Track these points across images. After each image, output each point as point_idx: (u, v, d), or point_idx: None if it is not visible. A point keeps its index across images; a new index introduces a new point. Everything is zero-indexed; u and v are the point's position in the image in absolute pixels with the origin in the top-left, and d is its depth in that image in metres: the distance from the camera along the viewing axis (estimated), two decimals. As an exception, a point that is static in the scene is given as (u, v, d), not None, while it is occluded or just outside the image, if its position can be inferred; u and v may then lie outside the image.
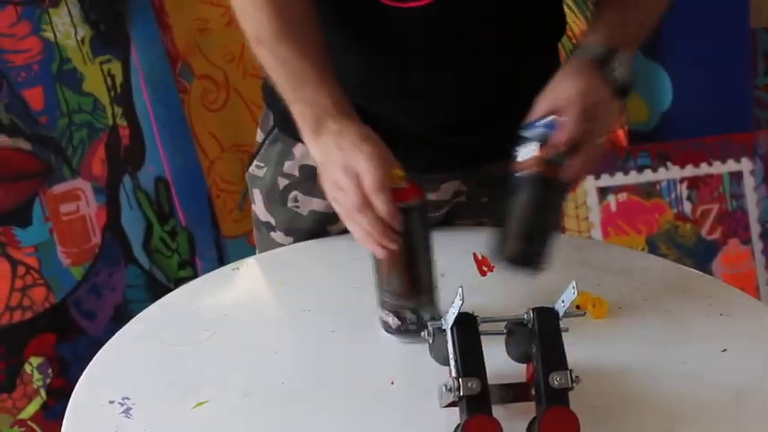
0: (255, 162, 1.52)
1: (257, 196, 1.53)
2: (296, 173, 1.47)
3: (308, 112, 1.26)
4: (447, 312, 1.08)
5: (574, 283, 1.07)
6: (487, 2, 1.31)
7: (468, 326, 1.07)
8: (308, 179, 1.46)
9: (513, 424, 1.04)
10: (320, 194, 1.47)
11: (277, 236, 1.52)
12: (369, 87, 1.39)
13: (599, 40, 1.30)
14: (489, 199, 1.50)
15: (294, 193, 1.48)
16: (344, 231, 1.49)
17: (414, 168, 1.32)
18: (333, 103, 1.25)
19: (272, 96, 1.51)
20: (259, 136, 1.53)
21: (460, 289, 1.05)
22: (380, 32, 1.34)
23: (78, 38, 2.10)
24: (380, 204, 1.15)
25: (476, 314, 1.08)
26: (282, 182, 1.49)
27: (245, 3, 1.29)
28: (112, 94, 2.14)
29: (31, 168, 2.07)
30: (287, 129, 1.47)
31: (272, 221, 1.52)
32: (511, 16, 1.35)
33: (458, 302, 1.05)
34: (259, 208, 1.54)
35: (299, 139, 1.46)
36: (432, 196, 1.45)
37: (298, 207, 1.49)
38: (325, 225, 1.50)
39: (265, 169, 1.50)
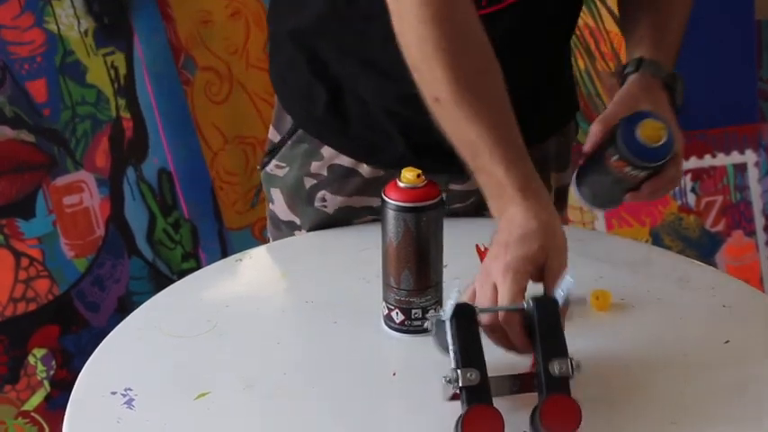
0: (275, 162, 1.50)
1: (276, 196, 1.52)
2: (324, 172, 1.46)
3: (489, 183, 1.17)
4: (445, 304, 1.08)
5: (570, 272, 1.07)
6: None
7: (466, 317, 1.07)
8: (338, 178, 1.46)
9: (516, 415, 1.04)
10: (348, 192, 1.46)
11: (301, 234, 1.52)
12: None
13: (662, 58, 1.32)
14: None
15: (322, 192, 1.47)
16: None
17: (452, 170, 1.31)
18: (508, 177, 1.14)
19: (291, 99, 1.50)
20: (273, 134, 1.51)
21: (458, 281, 1.05)
22: None
23: (81, 30, 2.09)
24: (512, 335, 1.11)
25: (475, 305, 1.08)
26: (309, 182, 1.47)
27: (421, 59, 1.17)
28: (116, 86, 2.14)
29: (34, 160, 2.07)
30: (313, 130, 1.46)
31: (297, 221, 1.51)
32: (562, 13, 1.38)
33: (455, 295, 1.05)
34: (279, 207, 1.52)
35: (326, 141, 1.45)
36: (461, 187, 1.44)
37: (325, 206, 1.48)
38: (350, 220, 1.49)
39: (287, 169, 1.49)
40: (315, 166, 1.47)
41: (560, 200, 1.56)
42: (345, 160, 1.45)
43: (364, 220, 1.48)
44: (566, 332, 1.21)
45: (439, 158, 1.23)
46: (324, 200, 1.47)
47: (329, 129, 1.45)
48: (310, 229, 1.50)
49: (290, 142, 1.48)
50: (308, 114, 1.46)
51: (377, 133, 1.42)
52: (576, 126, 1.60)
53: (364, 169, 1.45)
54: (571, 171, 1.58)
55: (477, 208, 1.49)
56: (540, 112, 1.43)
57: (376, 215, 1.46)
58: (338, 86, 1.42)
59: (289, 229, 1.52)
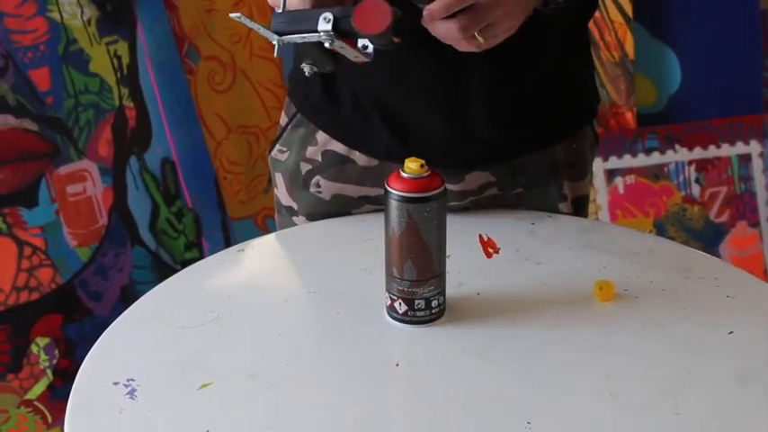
0: (278, 146, 1.51)
1: (279, 180, 1.53)
2: (319, 158, 1.47)
3: None
4: None
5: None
6: None
7: None
8: (332, 164, 1.46)
9: (516, 416, 1.04)
10: (343, 180, 1.47)
11: (299, 220, 1.52)
12: (399, 86, 1.38)
13: None
14: (524, 189, 1.48)
15: (317, 178, 1.48)
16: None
17: (445, 165, 1.30)
18: None
19: (294, 84, 1.51)
20: (282, 120, 1.53)
21: None
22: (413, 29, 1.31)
23: (84, 18, 2.09)
24: None
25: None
26: (305, 167, 1.48)
27: None
28: (119, 75, 2.14)
29: (37, 149, 2.07)
30: (309, 114, 1.47)
31: (295, 206, 1.52)
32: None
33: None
34: (281, 192, 1.53)
35: (320, 126, 1.46)
36: (455, 187, 1.44)
37: (320, 192, 1.48)
38: (348, 209, 1.49)
39: (288, 153, 1.50)
40: (310, 151, 1.47)
41: (579, 210, 1.53)
42: (338, 146, 1.45)
43: (363, 210, 1.48)
44: (569, 322, 1.22)
45: (426, 153, 1.23)
46: (318, 185, 1.47)
47: (323, 113, 1.45)
48: (307, 215, 1.50)
49: (289, 127, 1.49)
50: (306, 99, 1.46)
51: (365, 121, 1.42)
52: (596, 135, 1.54)
53: (357, 157, 1.45)
54: (589, 181, 1.57)
55: (476, 208, 1.48)
56: (546, 112, 1.42)
57: (374, 205, 1.46)
58: (332, 73, 1.42)
59: (288, 214, 1.53)
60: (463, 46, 1.15)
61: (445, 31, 1.13)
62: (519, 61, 1.34)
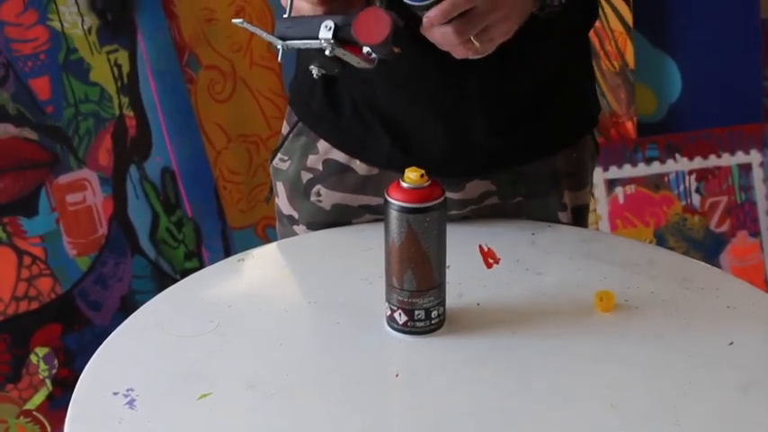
0: (279, 155, 1.51)
1: (281, 189, 1.52)
2: (320, 167, 1.47)
3: None
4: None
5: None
6: None
7: None
8: (332, 174, 1.46)
9: (521, 414, 1.03)
10: (344, 189, 1.46)
11: (299, 229, 1.52)
12: (400, 94, 1.38)
13: None
14: (524, 198, 1.48)
15: (317, 187, 1.47)
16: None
17: (446, 174, 1.30)
18: None
19: (295, 92, 1.51)
20: (284, 128, 1.53)
21: None
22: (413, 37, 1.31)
23: (85, 27, 2.09)
24: None
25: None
26: (306, 176, 1.48)
27: None
28: (119, 83, 2.14)
29: (37, 158, 2.07)
30: (310, 122, 1.47)
31: (295, 215, 1.51)
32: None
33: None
34: (282, 201, 1.53)
35: (321, 134, 1.46)
36: (455, 195, 1.43)
37: (320, 201, 1.48)
38: (349, 219, 1.49)
39: (289, 162, 1.49)
40: (311, 159, 1.47)
41: (579, 220, 1.53)
42: (339, 155, 1.45)
43: (363, 220, 1.48)
44: (569, 333, 1.22)
45: (426, 161, 1.23)
46: (319, 194, 1.47)
47: (324, 121, 1.45)
48: (307, 224, 1.50)
49: (291, 135, 1.49)
50: (307, 107, 1.46)
51: (365, 129, 1.42)
52: (596, 145, 1.54)
53: (358, 166, 1.45)
54: (589, 190, 1.57)
55: (476, 217, 1.48)
56: (545, 120, 1.41)
57: (374, 214, 1.46)
58: (334, 80, 1.42)
59: (289, 223, 1.53)
60: (460, 52, 1.16)
61: (441, 35, 1.13)
62: (515, 66, 1.34)
